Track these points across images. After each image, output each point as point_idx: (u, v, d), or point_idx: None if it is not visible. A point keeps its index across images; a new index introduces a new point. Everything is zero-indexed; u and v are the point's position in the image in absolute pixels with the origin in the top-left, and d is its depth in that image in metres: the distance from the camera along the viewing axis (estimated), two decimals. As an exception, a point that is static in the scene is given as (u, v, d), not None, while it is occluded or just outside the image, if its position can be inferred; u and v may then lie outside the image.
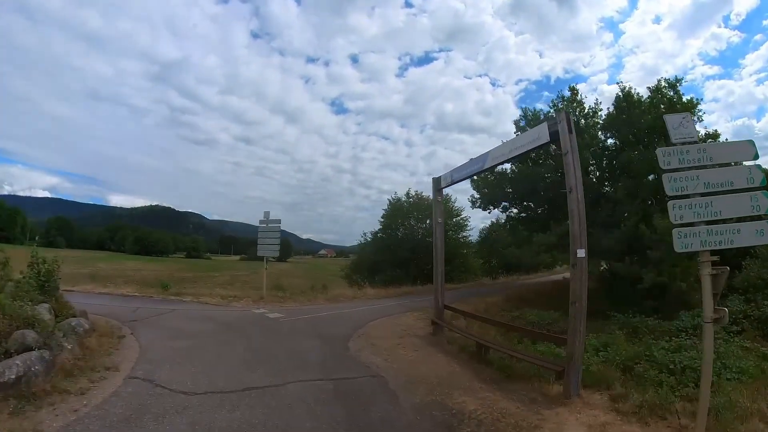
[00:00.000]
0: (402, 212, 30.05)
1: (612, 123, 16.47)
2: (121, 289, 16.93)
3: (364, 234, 31.54)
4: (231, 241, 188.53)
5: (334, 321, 12.44)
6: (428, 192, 16.01)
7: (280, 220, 17.01)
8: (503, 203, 22.77)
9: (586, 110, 17.39)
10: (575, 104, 17.59)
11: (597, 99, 19.28)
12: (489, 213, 27.90)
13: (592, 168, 17.23)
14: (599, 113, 17.31)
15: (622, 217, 14.88)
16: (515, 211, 22.77)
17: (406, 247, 27.71)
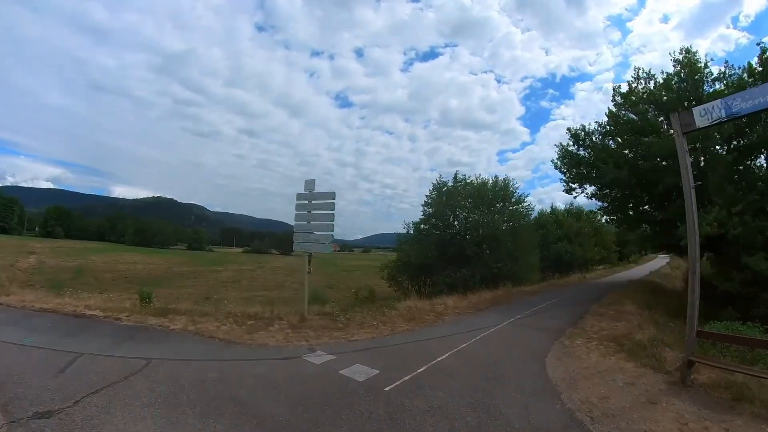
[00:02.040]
0: (453, 197, 23.53)
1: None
2: (80, 302, 10.53)
3: (407, 225, 24.90)
4: (233, 233, 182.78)
5: (484, 375, 6.74)
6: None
7: (334, 194, 10.43)
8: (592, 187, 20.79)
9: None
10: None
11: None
12: (574, 197, 22.26)
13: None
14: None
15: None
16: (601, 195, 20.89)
17: (474, 240, 21.24)
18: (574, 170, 21.27)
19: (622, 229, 28.18)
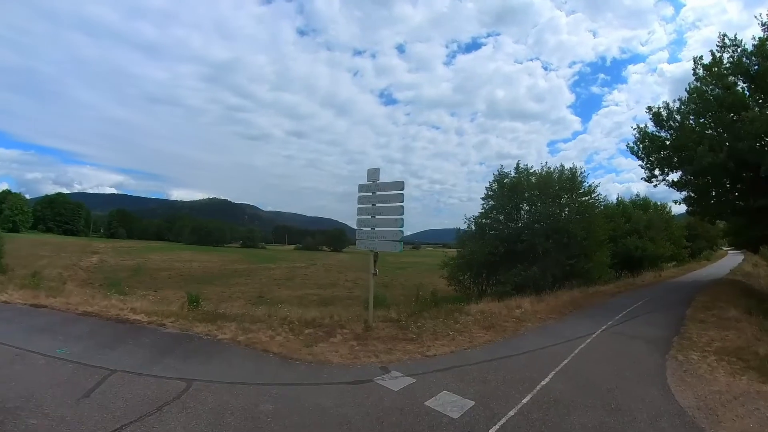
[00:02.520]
0: (518, 188, 21.40)
1: None
2: (126, 304, 9.73)
3: (467, 220, 22.93)
4: (285, 230, 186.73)
5: (604, 405, 5.30)
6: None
7: (402, 184, 8.91)
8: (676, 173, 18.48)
9: None
10: None
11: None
12: (655, 186, 19.83)
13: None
14: None
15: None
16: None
17: (544, 234, 19.07)
18: (654, 156, 18.87)
19: (706, 221, 25.03)
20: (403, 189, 8.79)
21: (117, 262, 43.96)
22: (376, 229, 8.99)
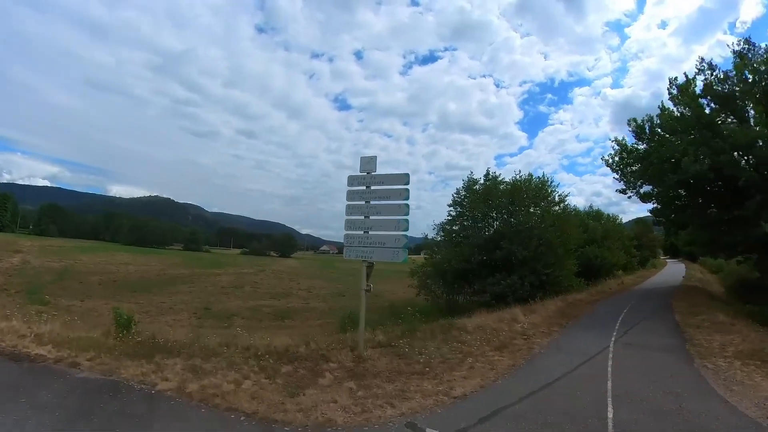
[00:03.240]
0: (491, 195, 20.52)
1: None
2: (32, 327, 7.20)
3: (435, 226, 21.84)
4: (230, 233, 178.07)
5: None
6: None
7: (407, 177, 7.12)
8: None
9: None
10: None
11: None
12: (629, 198, 21.96)
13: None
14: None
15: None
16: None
17: (519, 243, 18.05)
18: (629, 168, 20.12)
19: (672, 231, 26.23)
20: (408, 183, 7.06)
21: (42, 264, 38.90)
22: (370, 232, 7.17)
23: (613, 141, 20.45)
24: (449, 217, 22.43)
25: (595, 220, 36.43)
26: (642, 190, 20.84)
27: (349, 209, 7.37)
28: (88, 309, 22.35)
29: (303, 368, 5.89)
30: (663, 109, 18.28)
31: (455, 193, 22.50)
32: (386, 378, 5.78)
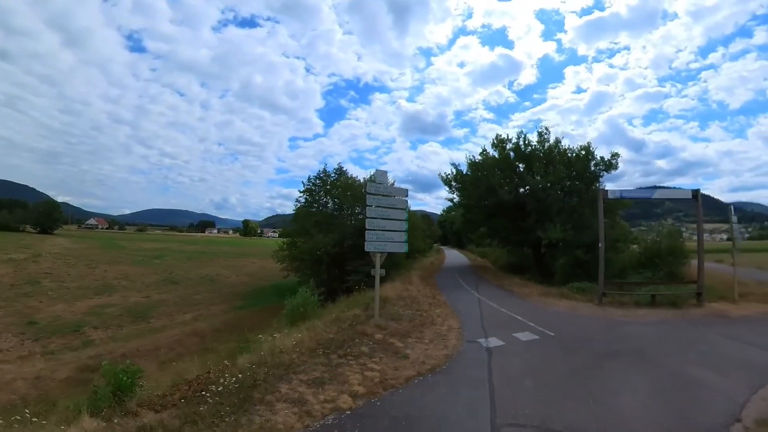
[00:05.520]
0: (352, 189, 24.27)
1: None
2: None
3: (298, 203, 25.08)
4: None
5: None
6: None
7: (407, 191, 10.50)
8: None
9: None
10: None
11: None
12: (452, 202, 30.92)
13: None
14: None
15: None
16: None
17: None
18: (458, 185, 27.16)
19: (472, 227, 34.68)
20: (407, 196, 10.53)
21: None
22: (385, 231, 9.60)
23: (452, 166, 27.09)
24: (299, 203, 25.96)
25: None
26: (456, 201, 29.05)
27: (370, 211, 9.52)
28: None
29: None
30: (483, 151, 26.16)
31: (308, 181, 26.80)
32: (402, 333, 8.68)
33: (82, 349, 16.92)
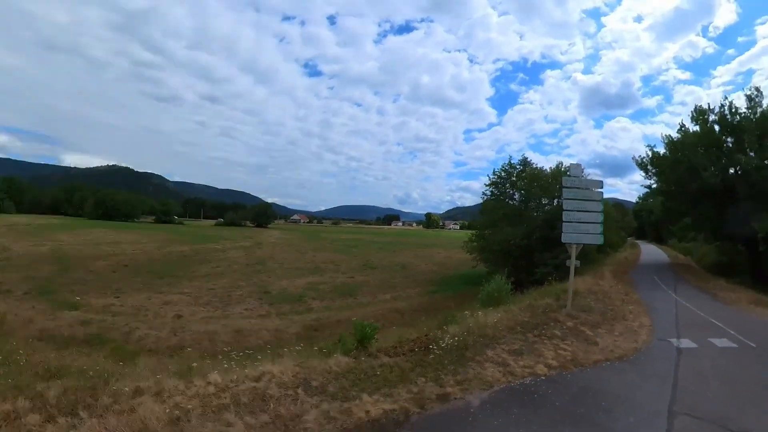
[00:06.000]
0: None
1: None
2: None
3: (484, 196, 25.42)
4: (198, 204, 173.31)
5: None
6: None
7: (602, 183, 10.01)
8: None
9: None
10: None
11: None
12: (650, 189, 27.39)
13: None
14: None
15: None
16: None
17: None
18: (654, 170, 24.13)
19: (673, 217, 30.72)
20: (602, 188, 9.87)
21: (26, 250, 33.27)
22: (581, 223, 9.28)
23: (647, 147, 24.46)
24: (485, 197, 25.18)
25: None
26: (655, 187, 25.74)
27: (567, 204, 9.24)
28: (136, 308, 20.06)
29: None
30: (681, 126, 22.66)
31: (492, 174, 26.63)
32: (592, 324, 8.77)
33: (305, 313, 20.89)
